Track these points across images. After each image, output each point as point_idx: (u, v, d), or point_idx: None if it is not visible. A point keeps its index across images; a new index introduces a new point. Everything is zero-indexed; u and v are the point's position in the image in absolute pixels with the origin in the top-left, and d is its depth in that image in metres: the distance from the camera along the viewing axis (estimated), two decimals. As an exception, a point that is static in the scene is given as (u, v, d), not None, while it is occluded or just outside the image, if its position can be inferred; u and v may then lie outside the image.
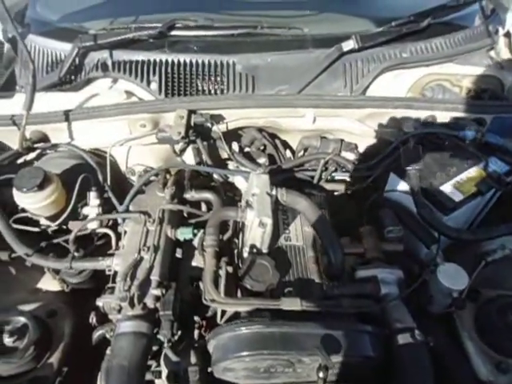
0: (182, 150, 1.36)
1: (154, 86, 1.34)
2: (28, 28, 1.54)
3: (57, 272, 1.16)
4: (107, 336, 0.95)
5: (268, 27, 1.34)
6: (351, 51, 1.36)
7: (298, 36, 1.37)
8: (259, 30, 1.34)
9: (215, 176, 1.36)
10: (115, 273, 1.04)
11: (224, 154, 1.39)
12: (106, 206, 1.24)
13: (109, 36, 1.34)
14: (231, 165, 1.36)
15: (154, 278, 0.99)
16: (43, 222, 1.23)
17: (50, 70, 1.47)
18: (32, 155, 1.35)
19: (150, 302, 0.95)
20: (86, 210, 1.23)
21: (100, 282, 1.17)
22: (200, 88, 1.34)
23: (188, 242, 1.13)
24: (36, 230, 1.20)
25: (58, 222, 1.18)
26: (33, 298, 1.15)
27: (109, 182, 1.29)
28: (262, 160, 1.37)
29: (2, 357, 0.94)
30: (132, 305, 0.93)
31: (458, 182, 1.16)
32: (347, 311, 0.96)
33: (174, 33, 1.35)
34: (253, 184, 1.10)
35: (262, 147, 1.39)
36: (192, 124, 1.24)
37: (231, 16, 1.39)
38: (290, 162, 1.35)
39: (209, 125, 1.27)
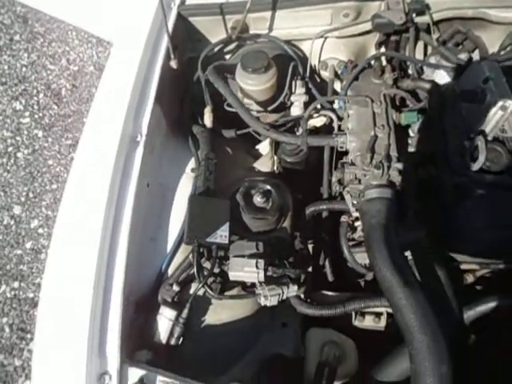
0: (381, 43, 1.35)
1: (358, -27, 1.30)
2: None
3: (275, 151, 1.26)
4: (354, 201, 1.03)
5: None
6: None
7: None
8: None
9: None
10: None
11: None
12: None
13: None
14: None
15: (394, 154, 1.04)
16: (253, 107, 1.30)
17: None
18: (231, 46, 1.41)
19: (394, 174, 1.01)
20: (292, 98, 1.29)
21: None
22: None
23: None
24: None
25: (275, 105, 1.25)
26: (252, 175, 1.26)
27: (307, 74, 1.33)
28: (463, 55, 1.33)
29: (257, 213, 1.06)
30: (381, 174, 0.99)
31: None
32: None
33: None
34: (485, 70, 1.08)
35: (461, 42, 1.34)
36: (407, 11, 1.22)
37: None
38: (497, 56, 1.29)
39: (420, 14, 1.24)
